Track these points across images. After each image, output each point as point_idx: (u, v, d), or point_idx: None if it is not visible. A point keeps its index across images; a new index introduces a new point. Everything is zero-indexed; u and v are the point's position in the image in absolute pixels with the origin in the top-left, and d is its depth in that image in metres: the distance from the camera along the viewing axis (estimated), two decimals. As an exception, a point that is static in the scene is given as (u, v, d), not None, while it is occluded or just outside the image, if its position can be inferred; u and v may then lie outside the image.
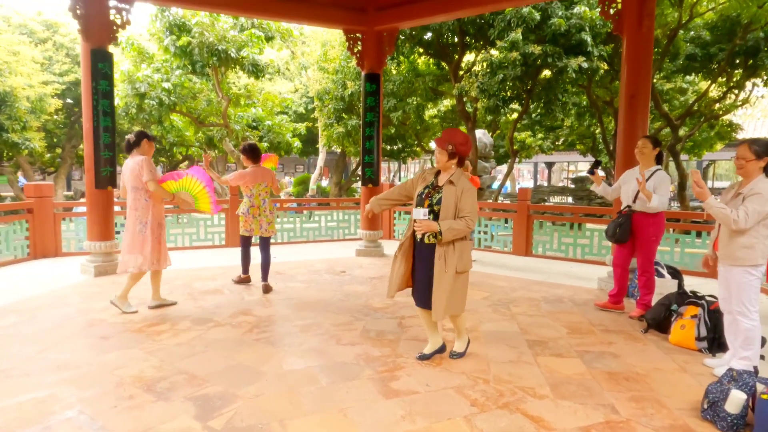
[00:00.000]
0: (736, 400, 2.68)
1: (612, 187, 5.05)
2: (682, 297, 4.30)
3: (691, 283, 5.72)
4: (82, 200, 8.10)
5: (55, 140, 19.12)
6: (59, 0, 14.07)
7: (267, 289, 5.54)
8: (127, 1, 6.24)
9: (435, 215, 3.38)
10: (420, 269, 3.51)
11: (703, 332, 3.85)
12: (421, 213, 3.38)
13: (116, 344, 3.87)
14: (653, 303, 4.67)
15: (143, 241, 4.66)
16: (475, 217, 3.33)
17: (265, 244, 5.60)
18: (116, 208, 7.42)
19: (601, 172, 5.04)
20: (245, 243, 5.77)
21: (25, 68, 14.73)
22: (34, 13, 18.58)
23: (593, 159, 12.04)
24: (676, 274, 5.33)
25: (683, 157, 15.66)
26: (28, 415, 2.78)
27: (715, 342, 3.82)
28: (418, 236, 3.45)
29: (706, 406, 2.81)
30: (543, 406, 2.96)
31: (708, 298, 4.09)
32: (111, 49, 6.32)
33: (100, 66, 6.11)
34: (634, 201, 4.67)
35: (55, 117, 18.02)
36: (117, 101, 10.56)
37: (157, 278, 4.89)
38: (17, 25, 17.35)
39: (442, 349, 3.73)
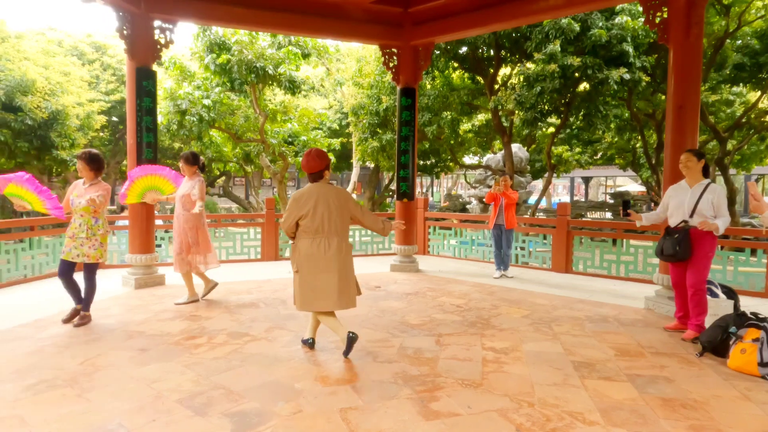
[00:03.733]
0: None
1: (656, 212, 4.91)
2: (741, 319, 4.03)
3: (746, 304, 5.37)
4: (125, 214, 8.33)
5: (100, 156, 19.92)
6: (108, 23, 14.78)
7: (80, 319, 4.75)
8: (170, 21, 6.44)
9: None
10: None
11: (767, 357, 3.58)
12: None
13: (154, 357, 3.89)
14: (707, 324, 4.40)
15: None
16: (284, 220, 3.85)
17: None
18: (158, 222, 7.61)
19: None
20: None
21: (75, 87, 15.41)
22: (84, 35, 19.52)
23: (633, 177, 11.64)
24: (731, 293, 5.00)
25: (730, 171, 15.03)
26: (69, 426, 2.80)
27: (780, 368, 3.55)
28: None
29: (776, 440, 2.58)
30: (594, 433, 2.79)
31: (770, 321, 3.82)
32: (155, 67, 6.51)
33: (145, 84, 6.30)
34: (691, 216, 4.45)
35: (101, 134, 18.79)
36: (160, 118, 10.91)
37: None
38: (69, 47, 18.27)
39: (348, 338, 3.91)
